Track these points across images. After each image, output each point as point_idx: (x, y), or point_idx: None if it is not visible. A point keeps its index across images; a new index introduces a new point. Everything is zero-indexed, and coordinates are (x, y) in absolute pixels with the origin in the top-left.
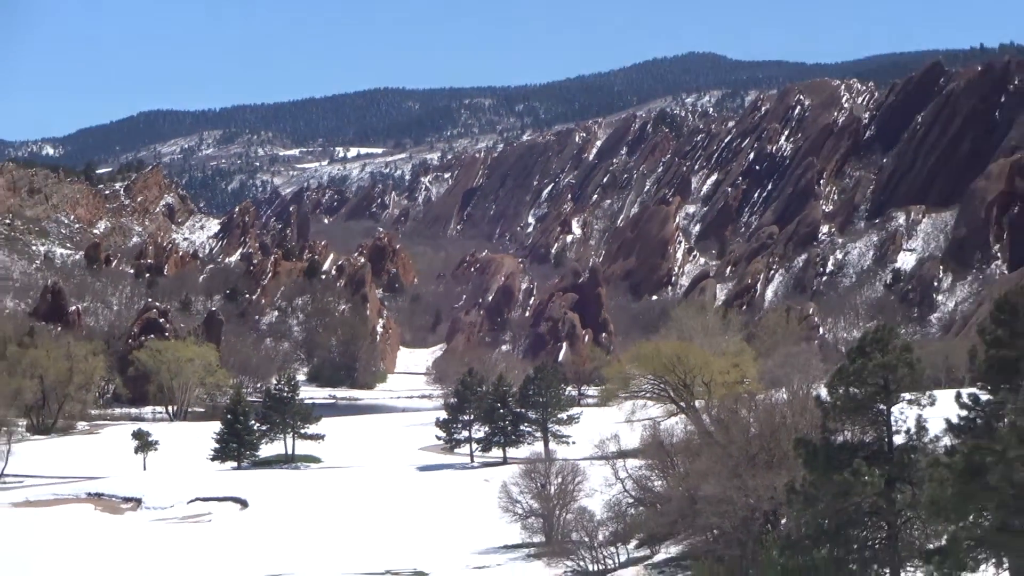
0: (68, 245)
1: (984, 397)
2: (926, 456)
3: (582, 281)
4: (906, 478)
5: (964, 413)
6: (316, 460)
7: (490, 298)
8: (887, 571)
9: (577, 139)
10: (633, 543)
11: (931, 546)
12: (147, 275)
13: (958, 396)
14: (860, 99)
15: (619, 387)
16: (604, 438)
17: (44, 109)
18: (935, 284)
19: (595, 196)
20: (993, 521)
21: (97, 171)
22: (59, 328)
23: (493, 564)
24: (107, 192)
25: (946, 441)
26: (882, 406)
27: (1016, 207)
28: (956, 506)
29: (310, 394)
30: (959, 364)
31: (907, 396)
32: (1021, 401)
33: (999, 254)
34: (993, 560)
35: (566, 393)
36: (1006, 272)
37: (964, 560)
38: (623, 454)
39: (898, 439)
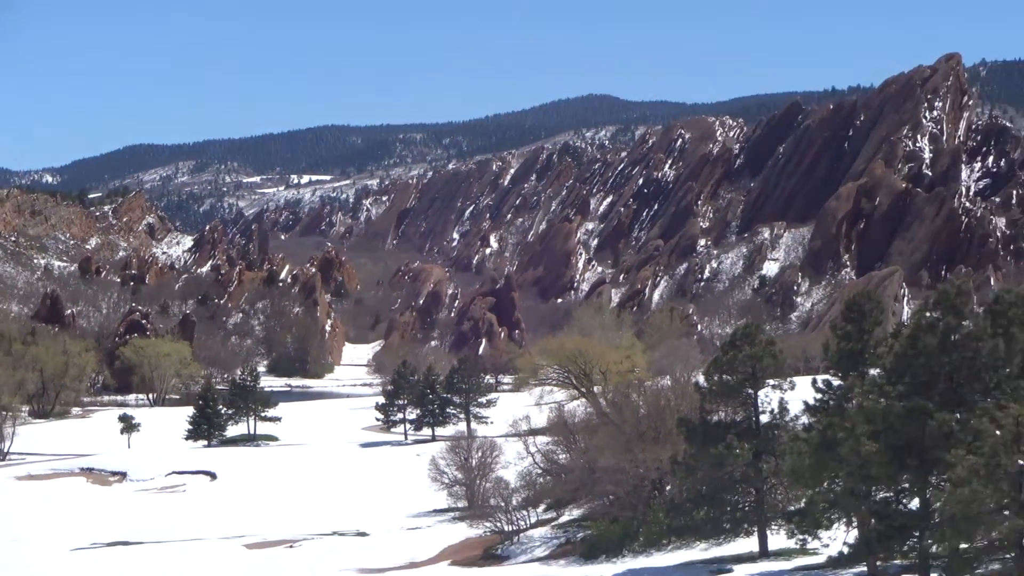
0: (64, 258)
1: (835, 383)
2: (787, 432)
3: (498, 287)
4: (771, 451)
5: (819, 396)
6: (274, 439)
7: (421, 301)
8: (755, 529)
9: (494, 167)
10: (542, 507)
11: (792, 508)
12: (131, 283)
13: (814, 382)
14: (731, 133)
15: (530, 376)
16: (517, 419)
17: (44, 143)
18: (794, 288)
19: (509, 215)
20: (843, 487)
21: (89, 196)
22: (56, 328)
23: (424, 526)
24: (97, 213)
25: (804, 420)
26: (750, 390)
27: (862, 223)
28: (813, 474)
29: (269, 383)
30: (815, 355)
31: (771, 382)
32: (866, 386)
33: (848, 262)
34: (844, 519)
35: (485, 381)
36: (854, 278)
37: (819, 519)
38: (533, 432)
39: (764, 418)
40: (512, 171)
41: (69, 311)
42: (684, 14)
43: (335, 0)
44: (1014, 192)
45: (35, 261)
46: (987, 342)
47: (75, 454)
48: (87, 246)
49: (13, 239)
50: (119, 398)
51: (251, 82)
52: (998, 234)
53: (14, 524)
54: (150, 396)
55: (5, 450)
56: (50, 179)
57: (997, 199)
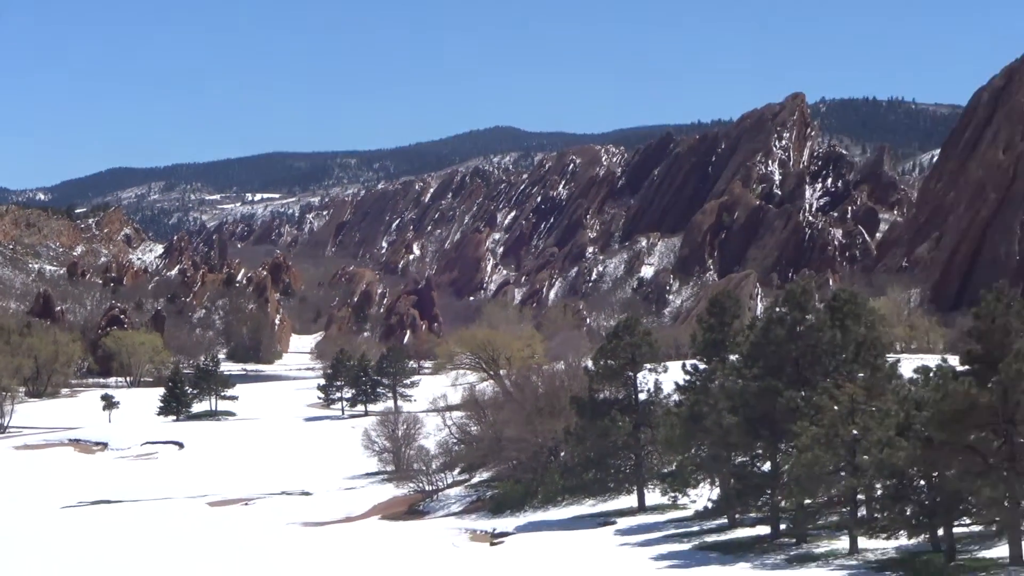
0: (55, 263)
1: (701, 367)
2: (661, 408)
3: (420, 287)
4: (647, 423)
5: (687, 378)
6: (232, 414)
7: (355, 299)
8: (635, 488)
9: (417, 187)
10: (457, 470)
11: (665, 470)
12: (111, 285)
13: (683, 366)
14: (615, 159)
15: (447, 361)
16: (436, 397)
17: (38, 166)
18: (667, 288)
19: (429, 227)
20: (708, 453)
21: (75, 211)
22: (48, 322)
23: (358, 486)
24: (83, 226)
25: (675, 397)
26: (630, 373)
27: (723, 233)
28: (682, 442)
29: (228, 367)
30: (684, 343)
31: (648, 366)
32: (727, 369)
33: (711, 267)
34: (708, 480)
35: (409, 366)
36: (716, 279)
37: (688, 480)
38: (449, 408)
39: (642, 396)
40: (432, 190)
41: (59, 308)
42: (575, 58)
43: (284, 44)
44: (848, 208)
45: (30, 266)
46: (826, 332)
47: (64, 428)
48: (74, 253)
49: (11, 247)
50: (101, 380)
51: (212, 115)
52: (835, 243)
53: (11, 486)
54: (127, 379)
55: (5, 424)
56: (42, 196)
57: (835, 214)
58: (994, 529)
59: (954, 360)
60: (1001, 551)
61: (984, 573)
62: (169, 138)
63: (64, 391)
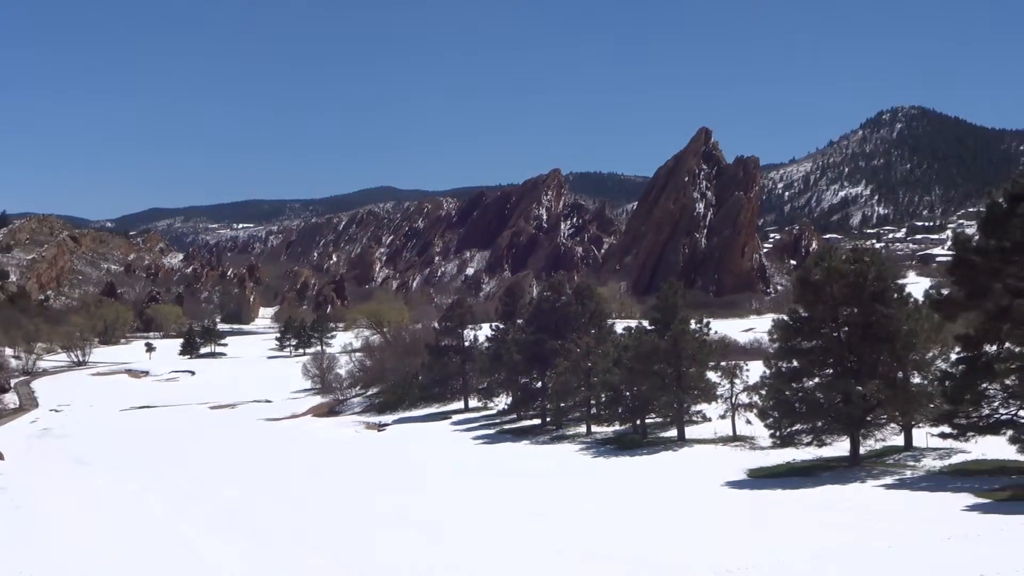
0: (117, 264)
1: (501, 326)
2: (478, 350)
3: (337, 280)
4: (471, 360)
5: (493, 332)
6: (224, 354)
7: (298, 287)
8: (463, 397)
9: (335, 221)
10: (358, 387)
11: (480, 387)
12: (151, 277)
13: (491, 326)
14: (451, 205)
15: (352, 323)
16: (346, 344)
17: (106, 204)
18: (482, 281)
19: (343, 244)
20: (505, 376)
21: (130, 233)
22: (113, 300)
23: (299, 397)
24: (134, 243)
25: (486, 344)
26: (460, 330)
27: (514, 249)
28: (491, 370)
29: (221, 327)
30: (492, 313)
31: (470, 326)
32: (516, 327)
33: (507, 268)
34: (505, 392)
35: (329, 325)
36: (510, 276)
37: (494, 392)
38: (354, 350)
39: (467, 343)
40: (343, 223)
41: (120, 291)
42: (434, 135)
43: (254, 130)
44: (585, 235)
45: (102, 266)
46: (573, 307)
47: (122, 363)
48: (129, 259)
49: (90, 255)
50: (145, 334)
51: (214, 174)
52: (578, 255)
53: (90, 398)
54: (161, 333)
55: (87, 360)
56: (109, 224)
57: (578, 239)
58: (669, 420)
59: (645, 323)
60: (672, 433)
61: (663, 445)
62: (187, 189)
63: (122, 340)
